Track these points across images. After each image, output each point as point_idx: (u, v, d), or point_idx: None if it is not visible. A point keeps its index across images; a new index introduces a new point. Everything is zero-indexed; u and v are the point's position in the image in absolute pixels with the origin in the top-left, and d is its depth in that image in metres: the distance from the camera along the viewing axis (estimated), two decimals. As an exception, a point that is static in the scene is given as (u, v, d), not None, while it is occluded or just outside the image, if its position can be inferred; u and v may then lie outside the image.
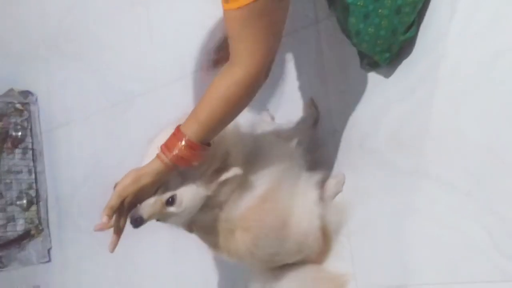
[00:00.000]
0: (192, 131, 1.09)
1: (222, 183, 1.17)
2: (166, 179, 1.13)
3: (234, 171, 1.17)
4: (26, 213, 2.23)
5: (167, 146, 1.10)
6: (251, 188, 1.23)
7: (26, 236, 2.23)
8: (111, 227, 1.13)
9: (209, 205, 1.20)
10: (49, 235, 2.23)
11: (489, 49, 1.17)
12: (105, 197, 1.13)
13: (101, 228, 1.12)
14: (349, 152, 1.38)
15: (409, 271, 1.26)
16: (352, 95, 1.38)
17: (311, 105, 1.44)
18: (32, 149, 2.29)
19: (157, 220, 1.16)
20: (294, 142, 1.35)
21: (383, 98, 1.32)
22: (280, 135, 1.36)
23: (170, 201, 1.14)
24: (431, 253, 1.23)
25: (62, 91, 2.23)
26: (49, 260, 2.22)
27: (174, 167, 1.11)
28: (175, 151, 1.09)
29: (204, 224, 1.24)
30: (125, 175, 1.12)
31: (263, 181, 1.24)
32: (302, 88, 1.47)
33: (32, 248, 2.24)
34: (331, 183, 1.38)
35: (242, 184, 1.22)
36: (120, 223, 1.14)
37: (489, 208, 1.16)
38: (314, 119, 1.43)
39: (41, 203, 2.26)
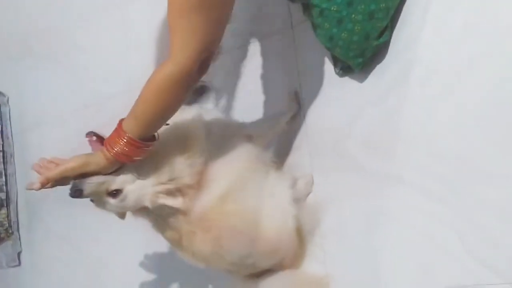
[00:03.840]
0: (131, 128, 1.08)
1: (172, 189, 1.16)
2: (112, 170, 1.13)
3: (178, 204, 1.16)
4: (-4, 216, 2.19)
5: (109, 142, 1.10)
6: (210, 188, 1.21)
7: (-5, 239, 2.20)
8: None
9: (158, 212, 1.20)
10: (19, 239, 2.19)
11: (462, 54, 1.18)
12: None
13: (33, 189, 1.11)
14: (322, 155, 1.38)
15: (380, 276, 1.27)
16: (326, 99, 1.38)
17: (294, 99, 1.43)
18: (3, 151, 2.24)
19: (91, 200, 1.16)
20: (262, 142, 1.34)
21: (357, 103, 1.33)
22: (251, 134, 1.34)
23: (114, 193, 1.14)
24: (403, 258, 1.24)
25: (34, 92, 2.19)
26: (19, 264, 2.18)
27: (116, 162, 1.11)
28: (116, 148, 1.09)
29: (163, 222, 1.23)
30: (74, 157, 1.12)
31: (222, 181, 1.22)
32: (276, 91, 1.47)
33: (2, 251, 2.19)
34: (300, 184, 1.37)
35: (201, 183, 1.21)
36: (48, 186, 1.12)
37: (461, 213, 1.17)
38: (293, 113, 1.42)
39: (11, 206, 2.22)
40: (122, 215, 1.26)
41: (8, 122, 2.27)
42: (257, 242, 1.27)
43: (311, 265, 1.38)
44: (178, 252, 1.30)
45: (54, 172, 1.10)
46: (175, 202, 1.16)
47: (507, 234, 1.11)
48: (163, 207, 1.17)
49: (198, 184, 1.20)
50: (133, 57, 1.85)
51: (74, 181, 1.11)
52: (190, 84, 1.08)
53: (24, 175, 2.21)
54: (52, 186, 1.12)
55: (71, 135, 2.03)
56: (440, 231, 1.19)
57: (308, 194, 1.39)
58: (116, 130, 1.11)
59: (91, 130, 1.16)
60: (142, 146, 1.10)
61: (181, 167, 1.17)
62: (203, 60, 1.05)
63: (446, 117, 1.20)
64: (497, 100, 1.13)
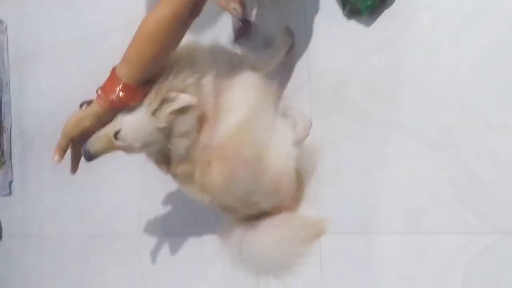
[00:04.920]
0: (125, 73, 1.09)
1: (173, 113, 1.15)
2: (109, 119, 1.14)
3: (186, 100, 1.15)
4: (-12, 144, 2.19)
5: (104, 90, 1.11)
6: (228, 115, 1.21)
7: (-13, 168, 2.19)
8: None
9: (175, 135, 1.19)
10: (11, 168, 2.19)
11: (472, 2, 1.16)
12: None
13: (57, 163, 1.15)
14: (322, 98, 1.36)
15: (373, 220, 1.27)
16: (331, 42, 1.36)
17: (287, 32, 1.40)
18: (-2, 79, 2.23)
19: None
20: (265, 73, 1.33)
21: (362, 47, 1.31)
22: (255, 64, 1.33)
23: (116, 135, 1.15)
24: (396, 203, 1.24)
25: (33, 21, 2.15)
26: (10, 193, 2.19)
27: (112, 110, 1.12)
28: (112, 96, 1.10)
29: (177, 155, 1.22)
30: (69, 117, 1.15)
31: (240, 108, 1.23)
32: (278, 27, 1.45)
33: (-7, 180, 2.20)
34: (299, 126, 1.36)
35: (218, 111, 1.21)
36: (74, 157, 1.20)
37: (457, 162, 1.17)
38: (289, 46, 1.40)
39: (4, 135, 2.21)
40: (159, 161, 1.27)
41: (5, 50, 2.24)
42: (264, 177, 1.26)
43: (305, 208, 1.38)
44: (185, 188, 1.30)
45: (59, 137, 1.15)
46: (177, 102, 1.14)
47: (501, 185, 1.12)
48: (178, 120, 1.16)
49: (214, 115, 1.20)
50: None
51: (83, 146, 1.15)
52: (183, 27, 1.09)
53: (19, 104, 2.19)
54: (75, 152, 1.18)
55: (68, 66, 2.01)
56: (435, 178, 1.19)
57: (306, 137, 1.38)
58: (110, 77, 1.11)
59: (85, 100, 1.17)
60: (138, 91, 1.11)
61: (180, 81, 1.16)
62: (195, 3, 1.06)
63: (451, 65, 1.18)
64: (504, 49, 1.12)
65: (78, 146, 1.17)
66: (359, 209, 1.30)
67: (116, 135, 1.15)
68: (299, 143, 1.34)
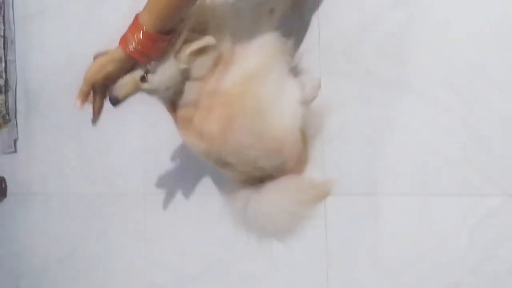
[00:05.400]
0: (148, 20, 1.08)
1: (194, 52, 1.16)
2: (132, 64, 1.15)
3: (206, 40, 1.15)
4: (-6, 101, 2.18)
5: (125, 35, 1.11)
6: (238, 65, 1.21)
7: (-9, 125, 2.19)
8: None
9: (190, 78, 1.19)
10: (16, 126, 2.18)
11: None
12: (74, 91, 1.15)
13: (80, 108, 1.16)
14: (332, 58, 1.35)
15: (379, 181, 1.27)
16: (342, 3, 1.34)
17: None
18: (4, 37, 2.20)
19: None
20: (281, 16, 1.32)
21: (374, 7, 1.29)
22: (273, 4, 1.31)
23: (143, 78, 1.16)
24: (403, 165, 1.24)
25: (39, -22, 2.13)
26: (15, 151, 2.19)
27: (135, 56, 1.12)
28: (133, 44, 1.09)
29: (186, 99, 1.23)
30: (92, 61, 1.15)
31: (251, 60, 1.22)
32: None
33: (-2, 137, 2.20)
34: (308, 87, 1.34)
35: (229, 57, 1.20)
36: (96, 104, 1.18)
37: (466, 124, 1.16)
38: None
39: (9, 92, 2.20)
40: (172, 108, 1.27)
41: (11, 7, 2.21)
42: (265, 134, 1.25)
43: (311, 171, 1.37)
44: (182, 133, 1.29)
45: (82, 84, 1.14)
46: (201, 41, 1.15)
47: (510, 148, 1.11)
48: (197, 60, 1.17)
49: (227, 62, 1.20)
50: None
51: (108, 92, 1.16)
52: None
53: (25, 62, 2.18)
54: (97, 98, 1.17)
55: (73, 23, 1.99)
56: (443, 140, 1.19)
57: (314, 98, 1.36)
58: (133, 23, 1.11)
59: (98, 52, 1.17)
60: (158, 38, 1.10)
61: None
62: None
63: (463, 27, 1.17)
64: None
65: (100, 93, 1.17)
66: (366, 171, 1.29)
67: (142, 78, 1.16)
68: (307, 103, 1.32)
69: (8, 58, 2.20)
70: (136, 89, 1.17)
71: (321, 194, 1.36)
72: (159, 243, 1.73)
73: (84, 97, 1.15)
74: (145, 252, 1.76)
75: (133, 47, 1.10)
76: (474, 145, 1.15)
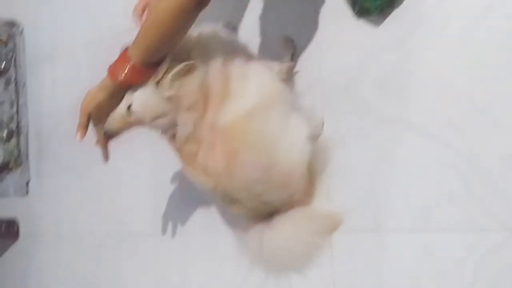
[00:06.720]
0: (136, 54, 1.14)
1: (175, 76, 1.17)
2: (120, 93, 1.20)
3: (185, 63, 1.17)
4: (6, 144, 2.21)
5: (114, 66, 1.17)
6: (238, 99, 1.23)
7: (4, 168, 2.21)
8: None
9: (181, 108, 1.21)
10: (28, 168, 2.22)
11: (481, 2, 1.17)
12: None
13: (80, 140, 1.23)
14: (334, 97, 1.38)
15: (383, 216, 1.29)
16: (342, 41, 1.37)
17: (287, 40, 1.43)
18: (16, 81, 2.25)
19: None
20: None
21: (372, 46, 1.32)
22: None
23: (128, 109, 1.20)
24: (406, 200, 1.26)
25: (49, 23, 2.18)
26: (27, 193, 2.22)
27: (120, 86, 1.18)
28: (121, 74, 1.15)
29: (183, 132, 1.24)
30: (86, 94, 1.23)
31: (252, 95, 1.24)
32: (293, 32, 1.47)
33: (10, 180, 2.23)
34: (312, 125, 1.35)
35: (227, 93, 1.23)
36: (100, 140, 1.25)
37: (467, 159, 1.18)
38: (291, 53, 1.42)
39: (21, 136, 2.24)
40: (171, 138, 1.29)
41: (22, 52, 2.27)
42: (271, 169, 1.26)
43: (317, 204, 1.38)
44: (187, 170, 1.31)
45: (79, 115, 1.22)
46: (182, 64, 1.17)
47: (511, 183, 1.12)
48: (182, 86, 1.18)
49: (223, 95, 1.22)
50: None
51: (104, 127, 1.22)
52: (192, 15, 1.11)
53: (36, 106, 2.23)
54: (98, 131, 1.24)
55: (83, 68, 2.04)
56: (445, 175, 1.20)
57: (318, 136, 1.38)
58: (121, 55, 1.17)
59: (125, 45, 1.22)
60: (144, 71, 1.16)
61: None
62: None
63: (460, 64, 1.20)
64: (514, 47, 1.12)
65: (99, 126, 1.23)
66: (369, 206, 1.31)
67: (128, 109, 1.20)
68: (314, 138, 1.34)
69: (20, 102, 2.25)
70: (125, 123, 1.21)
71: (334, 223, 1.36)
72: (170, 282, 1.74)
73: (83, 129, 1.22)
74: (156, 291, 1.77)
75: (120, 78, 1.16)
76: (476, 180, 1.16)
